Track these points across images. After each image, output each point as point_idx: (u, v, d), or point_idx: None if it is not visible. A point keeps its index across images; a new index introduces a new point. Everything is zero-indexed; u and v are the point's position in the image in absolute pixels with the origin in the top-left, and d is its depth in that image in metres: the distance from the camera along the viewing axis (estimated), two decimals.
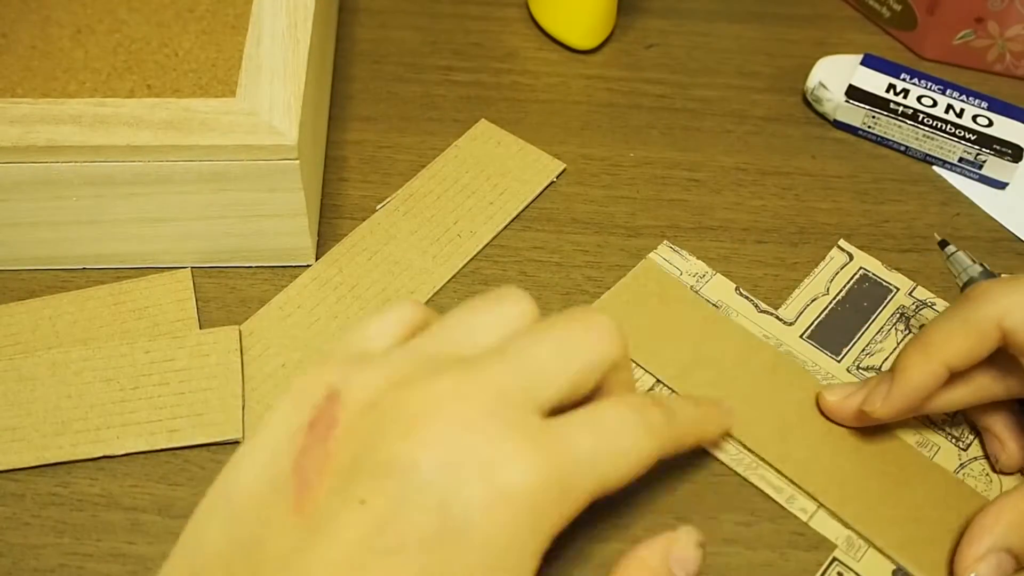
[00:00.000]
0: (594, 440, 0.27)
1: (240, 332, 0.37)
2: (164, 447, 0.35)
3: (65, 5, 0.40)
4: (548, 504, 0.26)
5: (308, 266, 0.40)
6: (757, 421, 0.36)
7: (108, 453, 0.34)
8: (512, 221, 0.42)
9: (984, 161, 0.44)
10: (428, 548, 0.25)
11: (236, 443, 0.35)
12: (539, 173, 0.44)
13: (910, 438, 0.36)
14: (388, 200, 0.42)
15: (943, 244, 0.36)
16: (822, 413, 0.36)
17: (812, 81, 0.46)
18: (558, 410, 0.28)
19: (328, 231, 0.41)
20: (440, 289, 0.40)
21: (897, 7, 0.50)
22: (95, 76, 0.38)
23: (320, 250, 0.40)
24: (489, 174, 0.43)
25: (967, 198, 0.44)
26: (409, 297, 0.39)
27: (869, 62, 0.46)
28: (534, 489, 0.25)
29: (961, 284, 0.35)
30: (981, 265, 0.35)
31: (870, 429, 0.35)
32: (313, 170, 0.40)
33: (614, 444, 0.28)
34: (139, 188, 0.36)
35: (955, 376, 0.33)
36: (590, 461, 0.27)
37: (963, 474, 0.35)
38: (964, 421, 0.36)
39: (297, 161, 0.36)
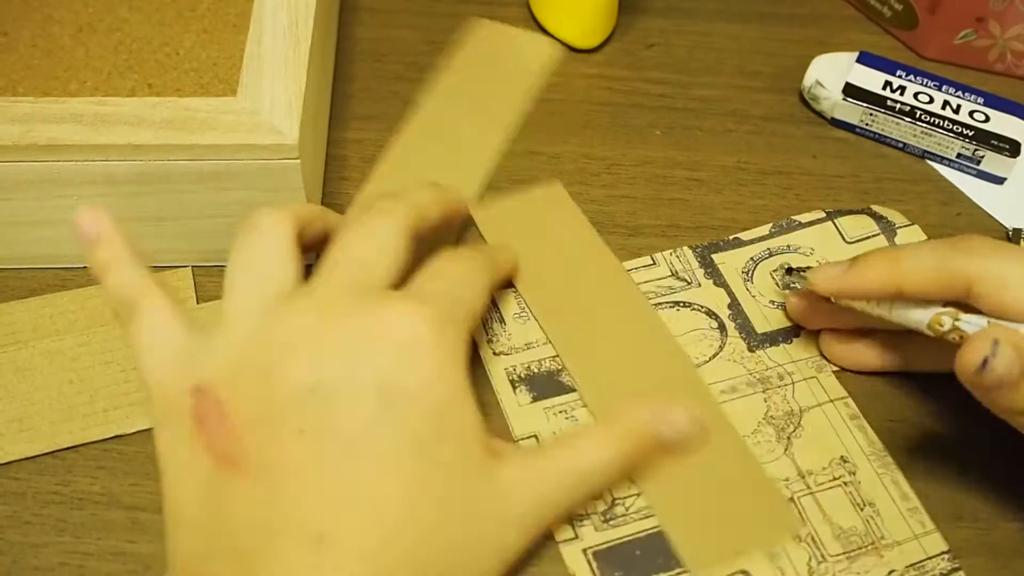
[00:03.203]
0: (440, 282, 0.31)
1: None
2: None
3: (66, 4, 0.40)
4: (445, 333, 0.29)
5: (308, 265, 0.40)
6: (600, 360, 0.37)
7: (120, 432, 0.35)
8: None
9: (982, 157, 0.44)
10: (381, 419, 0.27)
11: None
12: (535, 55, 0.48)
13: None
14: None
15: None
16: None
17: (808, 79, 0.46)
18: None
19: None
20: None
21: (898, 6, 0.50)
22: (96, 75, 0.38)
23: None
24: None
25: (967, 197, 0.44)
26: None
27: (865, 59, 0.46)
28: (429, 326, 0.29)
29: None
30: None
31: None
32: (314, 169, 0.40)
33: (458, 280, 0.32)
34: (140, 187, 0.36)
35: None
36: (448, 295, 0.31)
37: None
38: None
39: (298, 160, 0.36)
